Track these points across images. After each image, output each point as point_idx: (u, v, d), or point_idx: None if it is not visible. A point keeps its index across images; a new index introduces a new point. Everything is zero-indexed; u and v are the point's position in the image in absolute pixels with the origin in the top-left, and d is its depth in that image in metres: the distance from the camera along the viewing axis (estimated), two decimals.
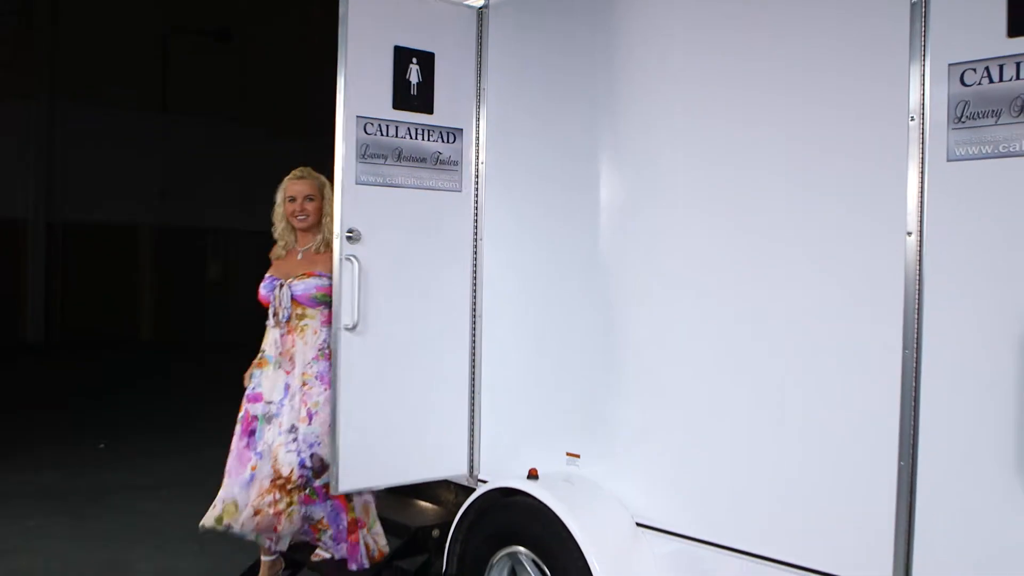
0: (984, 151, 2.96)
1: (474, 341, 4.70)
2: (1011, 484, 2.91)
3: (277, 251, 4.86)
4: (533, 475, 4.10)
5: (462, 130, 4.66)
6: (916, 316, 3.11)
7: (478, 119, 4.69)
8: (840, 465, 3.33)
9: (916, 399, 3.11)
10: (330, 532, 4.63)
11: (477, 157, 4.70)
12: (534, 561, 4.04)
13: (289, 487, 4.44)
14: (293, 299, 4.63)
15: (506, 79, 4.62)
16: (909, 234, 3.12)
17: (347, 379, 4.33)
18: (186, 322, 20.81)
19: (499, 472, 4.51)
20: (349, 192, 4.34)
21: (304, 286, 4.63)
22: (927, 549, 3.11)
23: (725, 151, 3.71)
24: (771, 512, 3.53)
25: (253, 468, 4.50)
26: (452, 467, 4.71)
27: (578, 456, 4.19)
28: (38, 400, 12.83)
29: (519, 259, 4.55)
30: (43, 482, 8.28)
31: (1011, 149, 2.90)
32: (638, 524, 3.94)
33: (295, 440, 4.50)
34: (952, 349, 3.05)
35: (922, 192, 3.10)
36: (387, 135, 4.45)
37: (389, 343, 4.50)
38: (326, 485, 4.47)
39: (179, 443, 9.93)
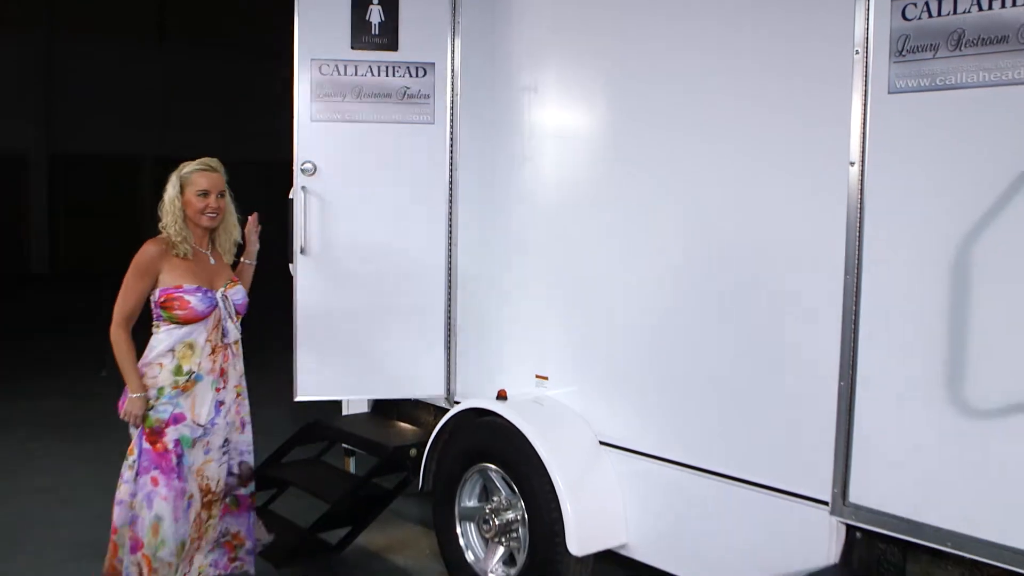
0: (923, 84, 3.06)
1: (450, 268, 4.85)
2: (943, 403, 3.06)
3: (178, 249, 4.02)
4: (502, 396, 4.29)
5: (434, 64, 4.77)
6: (857, 242, 3.24)
7: (452, 52, 4.79)
8: (784, 386, 3.50)
9: (856, 321, 3.26)
10: (247, 546, 4.36)
11: (452, 89, 4.80)
12: (503, 477, 4.24)
13: (211, 499, 4.14)
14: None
15: (481, 12, 4.71)
16: (852, 164, 3.24)
17: (301, 297, 4.83)
18: None
19: (475, 394, 4.69)
20: (304, 129, 4.80)
21: (241, 295, 4.21)
22: (864, 464, 3.28)
23: (676, 79, 3.85)
24: (720, 431, 3.71)
25: (191, 496, 4.07)
26: (429, 388, 4.91)
27: (546, 378, 4.37)
28: (42, 330, 13.06)
29: (494, 190, 4.68)
30: (46, 408, 8.53)
31: (947, 82, 3.00)
32: (601, 443, 4.13)
33: (226, 452, 4.17)
34: (890, 274, 3.19)
35: (865, 123, 3.21)
36: (344, 74, 4.77)
37: (347, 266, 4.84)
38: (252, 495, 4.34)
39: None
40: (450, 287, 4.85)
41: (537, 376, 4.40)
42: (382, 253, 4.88)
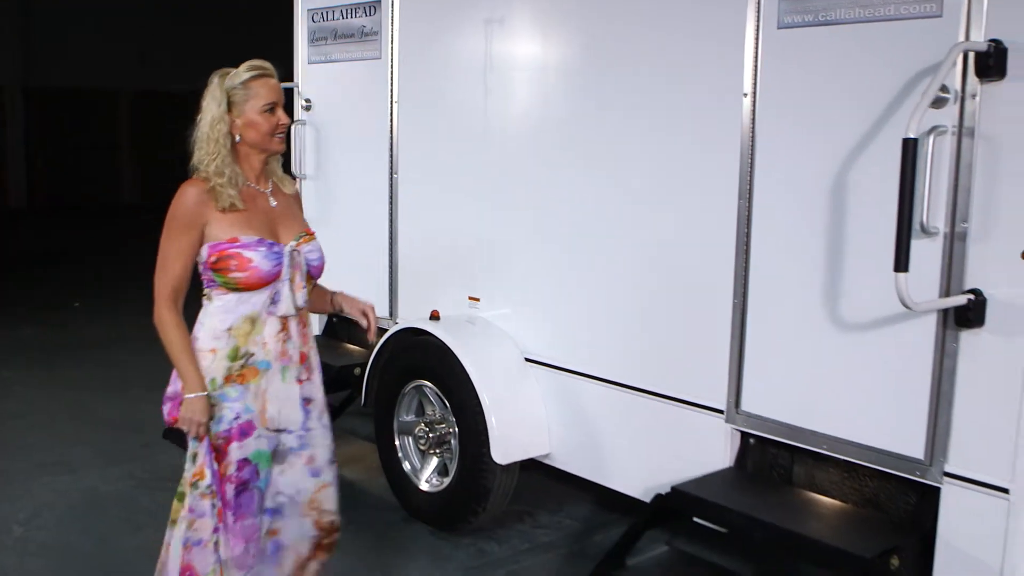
0: (807, 19, 3.27)
1: (391, 196, 5.07)
2: (821, 319, 3.33)
3: (220, 199, 2.87)
4: (435, 316, 4.54)
5: (380, 1, 4.98)
6: (749, 169, 3.48)
7: None
8: (686, 305, 3.77)
9: (748, 243, 3.51)
10: None
11: (392, 25, 4.98)
12: (436, 393, 4.51)
13: (328, 541, 3.17)
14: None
15: None
16: (745, 95, 3.46)
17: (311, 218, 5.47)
18: (167, 187, 20.98)
19: (415, 315, 4.94)
20: (305, 70, 5.52)
21: (318, 253, 3.08)
22: (754, 376, 3.57)
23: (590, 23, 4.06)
24: (630, 347, 3.99)
25: (274, 533, 3.02)
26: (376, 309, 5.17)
27: (478, 300, 4.62)
28: (19, 263, 13.22)
29: (430, 122, 4.88)
30: (20, 337, 8.76)
31: (828, 17, 3.21)
32: (527, 360, 4.39)
33: (334, 468, 3.17)
34: (778, 199, 3.43)
35: (756, 57, 3.42)
36: (327, 20, 5.37)
37: (325, 192, 5.47)
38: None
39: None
40: (391, 213, 5.08)
41: (470, 298, 4.65)
42: (344, 181, 5.35)
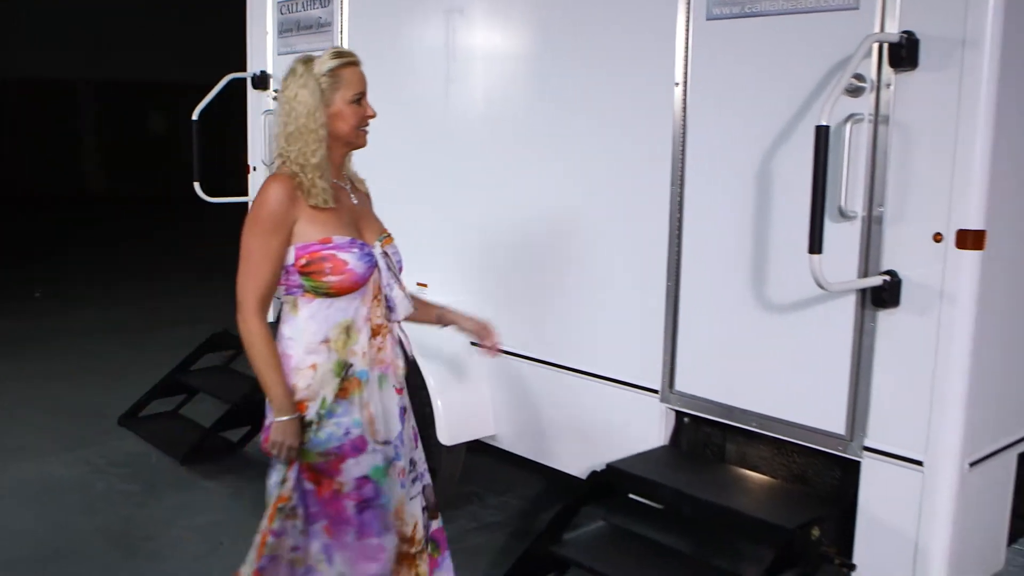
0: (734, 11, 3.39)
1: None
2: (750, 302, 3.45)
3: (315, 195, 2.64)
4: None
5: None
6: (681, 156, 3.59)
7: None
8: (623, 288, 3.88)
9: (680, 228, 3.63)
10: None
11: (341, 16, 5.06)
12: None
13: (415, 551, 2.93)
14: None
15: None
16: (677, 84, 3.57)
17: None
18: (133, 176, 20.88)
19: None
20: (275, 62, 5.73)
21: (400, 255, 2.93)
22: (687, 356, 3.69)
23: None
24: (572, 331, 4.10)
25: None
26: None
27: (426, 285, 4.71)
28: None
29: (377, 110, 4.94)
30: None
31: (754, 10, 3.33)
32: (472, 343, 4.48)
33: (416, 479, 2.97)
34: (708, 185, 3.55)
35: (687, 47, 3.54)
36: (292, 12, 5.51)
37: None
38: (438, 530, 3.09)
39: (119, 291, 10.46)
40: None
41: (418, 284, 4.73)
42: None
